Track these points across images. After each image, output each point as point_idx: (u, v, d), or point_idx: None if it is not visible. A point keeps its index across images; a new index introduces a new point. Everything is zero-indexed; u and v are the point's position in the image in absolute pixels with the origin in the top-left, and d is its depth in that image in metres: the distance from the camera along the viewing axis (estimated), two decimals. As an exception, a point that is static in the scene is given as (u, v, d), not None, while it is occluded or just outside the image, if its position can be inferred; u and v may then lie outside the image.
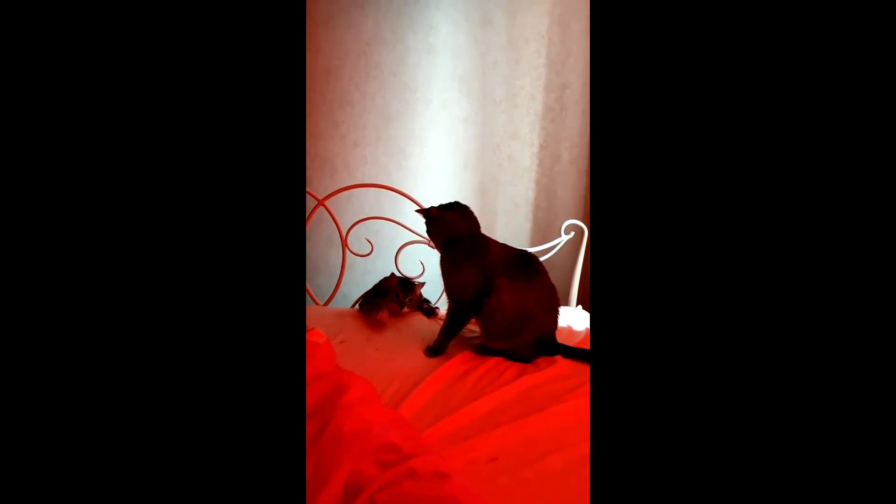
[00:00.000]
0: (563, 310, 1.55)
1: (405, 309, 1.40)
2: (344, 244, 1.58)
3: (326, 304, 1.62)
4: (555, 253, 1.66)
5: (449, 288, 1.17)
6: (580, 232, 1.66)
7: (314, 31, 1.57)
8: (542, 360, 1.10)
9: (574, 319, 1.44)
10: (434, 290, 1.58)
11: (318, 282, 1.66)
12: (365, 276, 1.51)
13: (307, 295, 1.60)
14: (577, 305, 1.63)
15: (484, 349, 1.13)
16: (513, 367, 1.07)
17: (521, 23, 1.67)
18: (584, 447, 0.76)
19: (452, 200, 1.25)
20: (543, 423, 0.84)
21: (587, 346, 1.20)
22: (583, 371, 1.06)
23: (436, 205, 1.22)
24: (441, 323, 1.21)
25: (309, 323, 1.03)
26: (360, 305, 1.45)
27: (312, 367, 0.80)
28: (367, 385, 0.82)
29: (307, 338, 0.90)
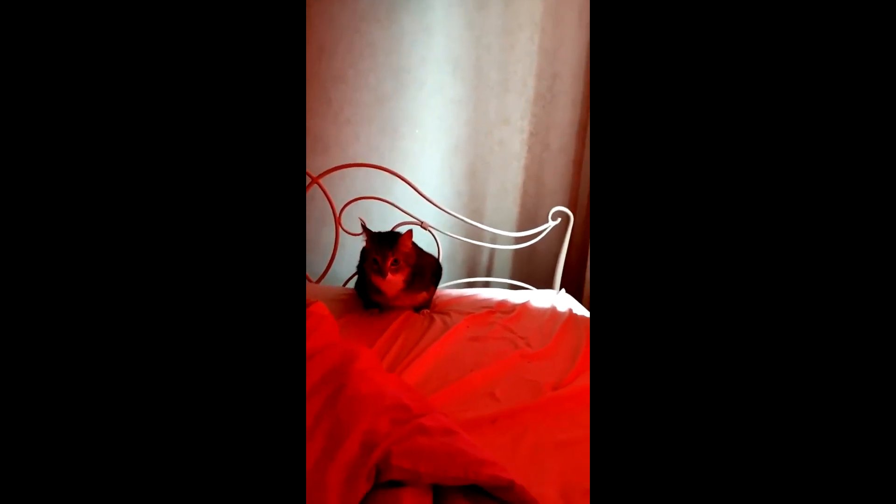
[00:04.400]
0: (547, 293, 1.64)
1: (391, 273, 1.18)
2: (338, 223, 1.60)
3: (318, 281, 1.64)
4: (541, 238, 1.72)
5: None
6: (566, 218, 1.73)
7: (308, 7, 1.55)
8: (533, 339, 1.18)
9: (558, 301, 1.52)
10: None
11: (310, 259, 1.67)
12: (357, 255, 1.54)
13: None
14: (560, 289, 1.71)
15: None
16: (506, 339, 1.14)
17: (515, 9, 1.69)
18: (580, 418, 0.83)
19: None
20: (538, 393, 0.91)
21: (569, 328, 1.27)
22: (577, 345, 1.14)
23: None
24: (428, 316, 1.27)
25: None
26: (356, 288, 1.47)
27: (321, 337, 0.84)
28: (373, 354, 0.87)
29: (313, 310, 0.94)
